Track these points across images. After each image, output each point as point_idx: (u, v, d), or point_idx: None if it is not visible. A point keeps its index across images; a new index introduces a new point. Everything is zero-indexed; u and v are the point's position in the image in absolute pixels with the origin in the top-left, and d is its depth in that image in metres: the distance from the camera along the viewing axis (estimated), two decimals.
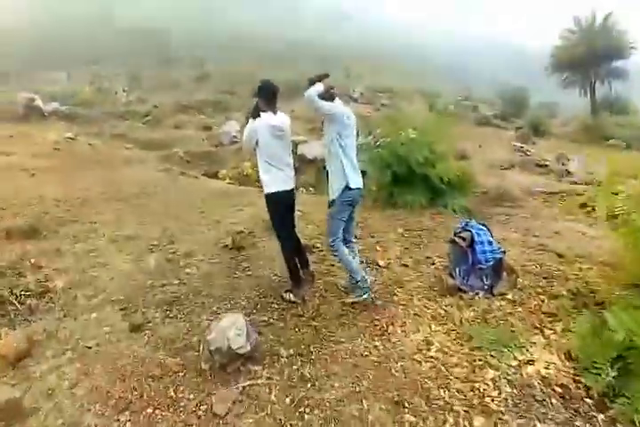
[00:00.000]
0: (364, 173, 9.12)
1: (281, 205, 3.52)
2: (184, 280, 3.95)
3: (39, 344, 3.03)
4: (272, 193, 3.46)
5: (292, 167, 3.60)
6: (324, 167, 3.50)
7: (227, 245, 4.78)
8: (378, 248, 4.67)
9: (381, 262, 4.29)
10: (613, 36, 16.23)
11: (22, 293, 3.53)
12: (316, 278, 3.96)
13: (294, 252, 3.71)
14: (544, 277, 3.88)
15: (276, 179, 3.45)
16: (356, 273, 3.49)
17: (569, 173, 8.22)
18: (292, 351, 2.92)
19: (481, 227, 3.86)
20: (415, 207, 5.91)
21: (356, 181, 3.39)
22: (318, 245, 4.75)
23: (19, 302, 3.40)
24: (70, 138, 10.69)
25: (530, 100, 17.78)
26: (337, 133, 3.28)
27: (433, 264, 4.28)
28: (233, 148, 11.76)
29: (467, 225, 3.88)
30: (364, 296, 3.48)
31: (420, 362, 2.81)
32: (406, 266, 4.24)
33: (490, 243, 3.73)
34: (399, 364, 2.79)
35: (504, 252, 3.76)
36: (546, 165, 9.19)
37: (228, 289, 3.79)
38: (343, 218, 3.42)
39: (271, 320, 3.31)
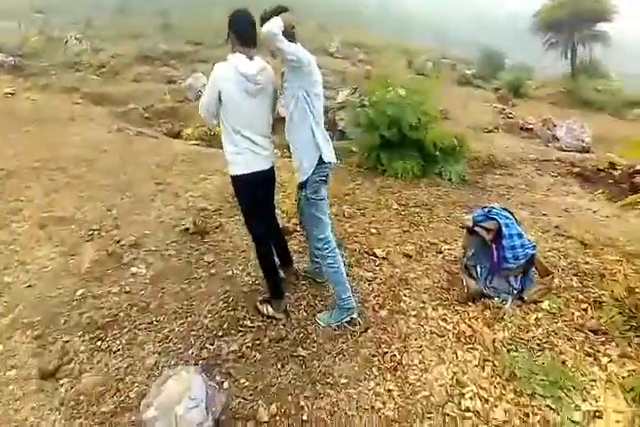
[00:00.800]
0: (342, 133, 7.85)
1: (253, 192, 2.33)
2: (127, 286, 2.79)
3: None
4: (239, 176, 2.27)
5: (270, 138, 2.38)
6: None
7: (187, 229, 3.60)
8: (372, 230, 3.64)
9: (379, 251, 3.26)
10: None
11: None
12: (300, 277, 2.93)
13: (272, 248, 2.61)
14: (575, 275, 2.99)
15: (247, 155, 2.24)
16: (346, 290, 2.47)
17: (556, 138, 7.28)
18: (274, 408, 1.90)
19: (507, 215, 2.86)
20: (407, 176, 4.85)
21: (331, 155, 2.33)
22: (299, 228, 3.66)
23: None
24: (10, 93, 8.71)
25: (505, 63, 16.42)
26: (304, 91, 2.17)
27: (440, 253, 3.30)
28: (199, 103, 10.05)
29: (490, 212, 2.86)
30: (344, 320, 2.47)
31: (454, 419, 1.88)
32: (409, 256, 3.24)
33: (520, 235, 2.73)
34: (427, 424, 1.87)
35: (534, 246, 2.81)
36: (530, 129, 8.23)
37: (186, 298, 2.68)
38: (323, 198, 2.36)
39: (243, 349, 2.26)
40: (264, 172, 2.32)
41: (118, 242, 3.40)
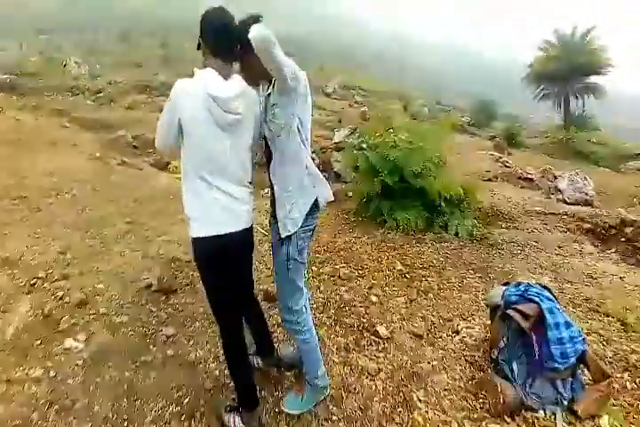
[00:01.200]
0: (337, 175, 7.33)
1: (220, 263, 1.63)
2: (53, 369, 2.03)
3: None
4: (199, 239, 1.59)
5: (248, 188, 1.69)
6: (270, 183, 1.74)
7: (150, 286, 2.91)
8: (373, 298, 2.97)
9: (382, 329, 2.58)
10: (593, 51, 15.20)
11: None
12: (283, 366, 2.21)
13: (243, 334, 1.82)
14: (625, 370, 2.34)
15: (212, 210, 1.58)
16: (318, 365, 1.89)
17: (558, 190, 6.88)
18: None
19: (548, 295, 2.24)
20: (410, 229, 4.27)
21: (330, 193, 1.82)
22: None
23: None
24: None
25: (497, 112, 16.59)
26: (299, 119, 1.62)
27: (457, 333, 2.63)
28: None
29: (527, 291, 2.24)
30: (318, 401, 1.90)
31: None
32: (419, 337, 2.56)
33: (567, 325, 2.09)
34: None
35: (584, 339, 2.17)
36: (530, 179, 7.85)
37: (126, 395, 1.91)
38: (304, 261, 1.78)
39: None
40: (238, 234, 1.62)
41: (61, 298, 2.68)
